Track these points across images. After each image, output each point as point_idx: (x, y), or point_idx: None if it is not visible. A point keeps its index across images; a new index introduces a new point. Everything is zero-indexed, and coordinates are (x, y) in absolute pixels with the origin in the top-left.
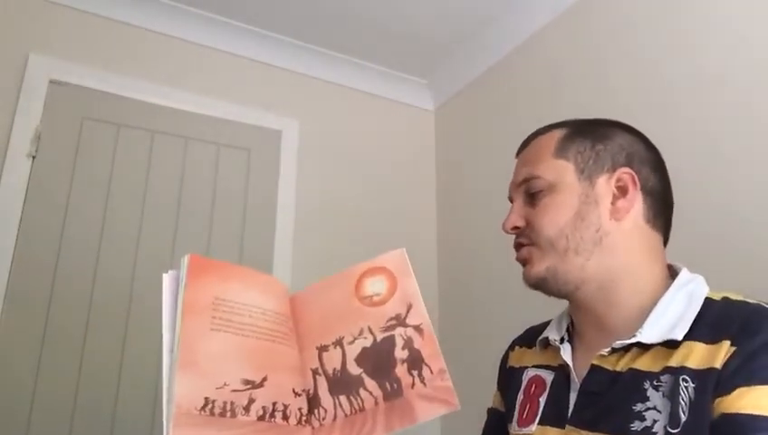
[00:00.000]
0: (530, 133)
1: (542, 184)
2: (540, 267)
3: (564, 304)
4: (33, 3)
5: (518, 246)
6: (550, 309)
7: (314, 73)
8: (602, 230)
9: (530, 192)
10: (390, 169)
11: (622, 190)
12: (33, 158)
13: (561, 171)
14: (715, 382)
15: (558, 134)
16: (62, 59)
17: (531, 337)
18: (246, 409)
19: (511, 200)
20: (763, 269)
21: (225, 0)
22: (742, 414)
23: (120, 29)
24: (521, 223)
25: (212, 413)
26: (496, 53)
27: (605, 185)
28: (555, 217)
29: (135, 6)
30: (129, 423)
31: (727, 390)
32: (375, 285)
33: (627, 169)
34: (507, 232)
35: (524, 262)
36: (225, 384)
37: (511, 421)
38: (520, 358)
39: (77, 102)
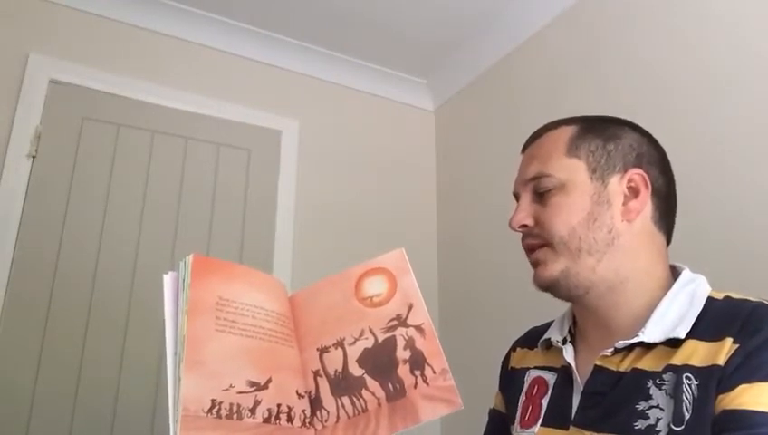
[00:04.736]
0: (536, 128)
1: (554, 182)
2: (554, 270)
3: (562, 304)
4: (33, 3)
5: (529, 247)
6: (551, 309)
7: (314, 73)
8: (615, 231)
9: (539, 190)
10: (390, 169)
11: (634, 191)
12: (33, 158)
13: (572, 170)
14: (717, 380)
15: (568, 131)
16: (62, 59)
17: (533, 338)
18: (252, 411)
19: (516, 196)
20: (764, 269)
21: (225, 0)
22: (742, 410)
23: (120, 29)
24: (529, 221)
25: (219, 415)
26: (496, 53)
27: (617, 185)
28: (568, 217)
29: (135, 6)
30: (129, 423)
31: (729, 386)
32: (375, 286)
33: (638, 170)
34: (514, 229)
35: (537, 263)
36: (230, 386)
37: (513, 423)
38: (521, 359)
39: (77, 102)
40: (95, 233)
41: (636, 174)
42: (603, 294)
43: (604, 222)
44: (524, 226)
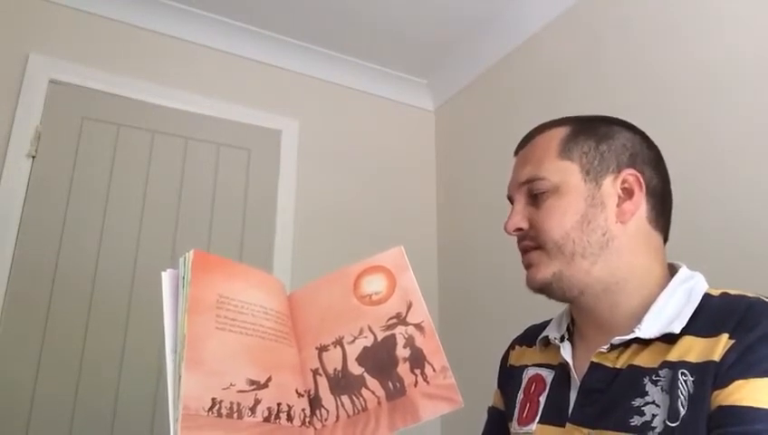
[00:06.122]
0: (529, 130)
1: (547, 185)
2: (546, 272)
3: (561, 304)
4: (33, 3)
5: (524, 250)
6: (550, 308)
7: (314, 73)
8: (609, 233)
9: (533, 193)
10: (390, 168)
11: (628, 192)
12: (33, 158)
13: (565, 172)
14: (713, 375)
15: (560, 133)
16: (62, 59)
17: (531, 336)
18: (252, 410)
19: (510, 199)
20: (763, 268)
21: (225, 0)
22: (738, 406)
23: (120, 29)
24: (524, 224)
25: (219, 414)
26: (496, 53)
27: (610, 187)
28: (561, 220)
29: (135, 6)
30: (129, 423)
31: (725, 382)
32: (373, 284)
33: (632, 171)
34: (510, 233)
35: (529, 266)
36: (231, 385)
37: (511, 420)
38: (520, 357)
39: (77, 102)
40: (95, 233)
41: (629, 174)
42: (599, 295)
43: (598, 224)
44: (519, 229)
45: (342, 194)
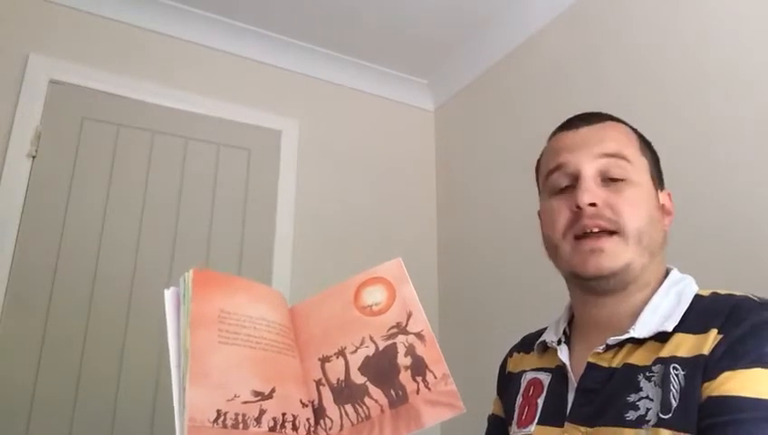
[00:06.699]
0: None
1: (629, 173)
2: (621, 260)
3: (562, 305)
4: (33, 3)
5: (594, 231)
6: (551, 309)
7: (314, 73)
8: (665, 238)
9: (609, 175)
10: (390, 169)
11: (666, 210)
12: (33, 158)
13: (642, 168)
14: (703, 368)
15: (633, 132)
16: (62, 59)
17: (528, 343)
18: (257, 420)
19: (558, 168)
20: (762, 269)
21: (225, 0)
22: (726, 396)
23: (120, 29)
24: (600, 201)
25: (224, 426)
26: (496, 53)
27: (662, 198)
28: (640, 212)
29: (135, 6)
30: (128, 424)
31: (714, 374)
32: (373, 295)
33: (668, 192)
34: (582, 207)
35: (599, 251)
36: (235, 396)
37: (511, 424)
38: (518, 363)
39: (77, 102)
40: (95, 233)
41: (669, 194)
42: (630, 295)
43: (661, 227)
44: (594, 204)
45: (342, 194)
